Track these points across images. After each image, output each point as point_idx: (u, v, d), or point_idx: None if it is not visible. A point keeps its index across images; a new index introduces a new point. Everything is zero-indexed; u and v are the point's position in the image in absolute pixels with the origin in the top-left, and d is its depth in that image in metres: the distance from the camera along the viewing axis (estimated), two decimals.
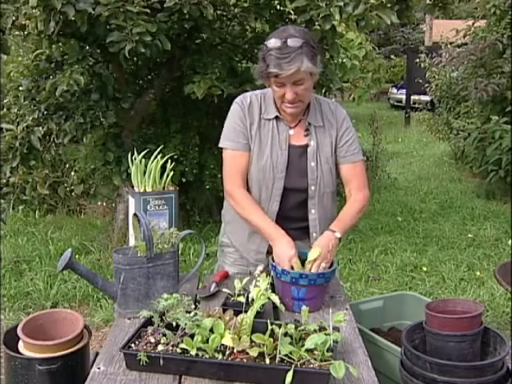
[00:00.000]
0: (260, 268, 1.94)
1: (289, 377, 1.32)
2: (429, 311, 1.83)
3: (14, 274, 4.15)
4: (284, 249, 1.86)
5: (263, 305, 1.62)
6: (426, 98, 11.08)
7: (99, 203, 5.59)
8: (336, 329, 1.51)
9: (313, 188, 2.02)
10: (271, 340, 1.42)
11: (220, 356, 1.42)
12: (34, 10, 3.35)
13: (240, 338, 1.44)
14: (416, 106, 12.41)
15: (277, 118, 2.01)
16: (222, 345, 1.44)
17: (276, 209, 2.02)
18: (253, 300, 1.55)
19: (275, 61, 1.80)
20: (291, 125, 2.03)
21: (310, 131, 2.02)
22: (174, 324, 1.49)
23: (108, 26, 3.42)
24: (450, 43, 8.00)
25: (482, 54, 6.53)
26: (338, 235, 1.92)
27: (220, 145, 2.06)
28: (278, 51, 1.80)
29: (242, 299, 1.59)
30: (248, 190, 2.04)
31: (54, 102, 3.99)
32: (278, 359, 1.39)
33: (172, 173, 2.12)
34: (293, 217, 2.03)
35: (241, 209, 2.01)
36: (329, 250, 1.85)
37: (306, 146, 2.02)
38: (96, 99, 4.02)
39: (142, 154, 2.10)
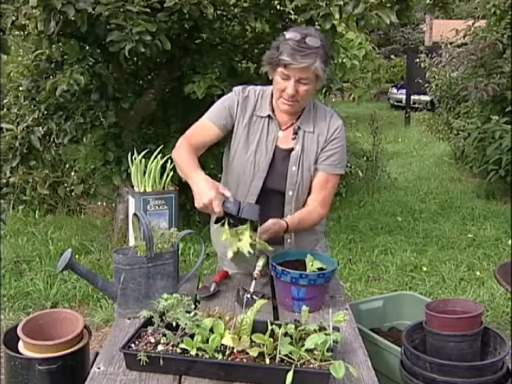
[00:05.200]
0: (259, 268, 1.94)
1: (289, 377, 1.32)
2: (429, 311, 1.83)
3: (14, 274, 4.15)
4: (203, 187, 1.76)
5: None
6: (426, 97, 11.08)
7: (99, 203, 5.59)
8: (336, 329, 1.51)
9: (290, 193, 2.00)
10: (271, 340, 1.42)
11: (220, 356, 1.42)
12: (34, 10, 3.35)
13: (240, 338, 1.44)
14: (416, 106, 12.41)
15: (269, 117, 2.01)
16: (222, 345, 1.44)
17: None
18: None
19: (290, 51, 1.81)
20: (282, 127, 2.02)
21: (298, 135, 2.01)
22: (174, 324, 1.49)
23: (108, 26, 3.42)
24: (450, 43, 8.01)
25: (482, 54, 6.53)
26: (284, 225, 1.93)
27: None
28: (296, 43, 1.82)
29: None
30: (226, 182, 2.04)
31: (54, 102, 3.99)
32: (277, 359, 1.39)
33: (172, 173, 2.12)
34: (268, 219, 1.95)
35: (177, 154, 1.95)
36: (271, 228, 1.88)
37: (291, 149, 2.01)
38: (96, 99, 4.02)
39: (142, 154, 2.10)
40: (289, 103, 1.93)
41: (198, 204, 1.76)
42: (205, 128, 2.01)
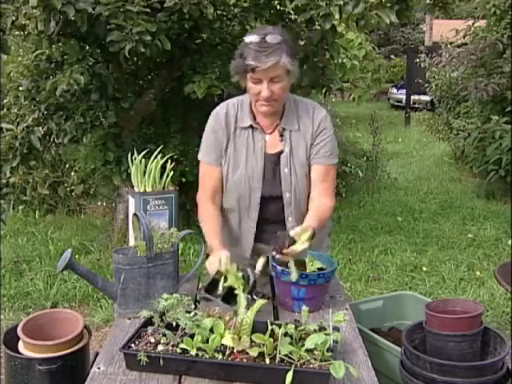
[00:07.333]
0: (259, 268, 1.93)
1: (289, 377, 1.32)
2: (429, 311, 1.84)
3: (14, 274, 4.15)
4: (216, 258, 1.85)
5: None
6: (426, 98, 11.07)
7: (99, 203, 5.59)
8: (336, 329, 1.51)
9: (287, 195, 1.99)
10: (271, 340, 1.42)
11: (220, 356, 1.42)
12: (34, 10, 3.35)
13: (240, 338, 1.44)
14: (416, 106, 12.40)
15: (252, 127, 1.99)
16: (222, 345, 1.44)
17: (255, 216, 2.01)
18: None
19: (254, 53, 1.79)
20: (267, 131, 2.01)
21: (284, 136, 1.99)
22: (174, 324, 1.49)
23: (108, 26, 3.42)
24: (450, 43, 8.00)
25: (482, 54, 6.53)
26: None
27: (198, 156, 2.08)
28: (257, 45, 1.80)
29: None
30: (227, 200, 2.05)
31: (54, 102, 3.99)
32: (277, 359, 1.40)
33: (172, 173, 2.12)
34: (273, 220, 2.00)
35: (200, 216, 2.05)
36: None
37: (281, 152, 1.99)
38: (96, 99, 4.02)
39: (142, 154, 2.10)
40: (267, 104, 1.91)
41: (209, 264, 1.85)
42: (207, 173, 2.05)
